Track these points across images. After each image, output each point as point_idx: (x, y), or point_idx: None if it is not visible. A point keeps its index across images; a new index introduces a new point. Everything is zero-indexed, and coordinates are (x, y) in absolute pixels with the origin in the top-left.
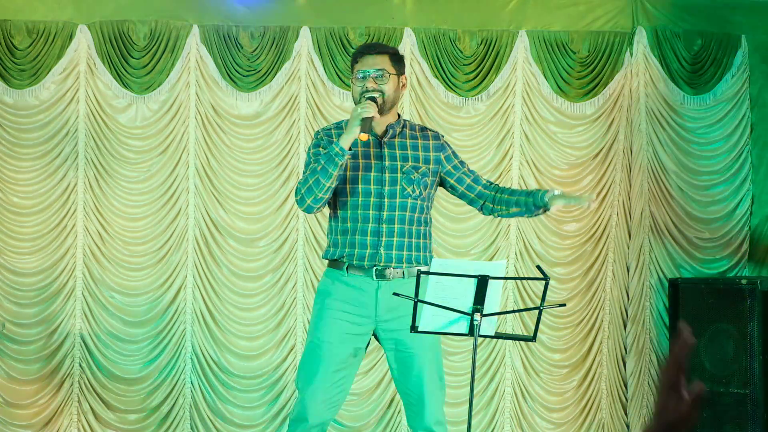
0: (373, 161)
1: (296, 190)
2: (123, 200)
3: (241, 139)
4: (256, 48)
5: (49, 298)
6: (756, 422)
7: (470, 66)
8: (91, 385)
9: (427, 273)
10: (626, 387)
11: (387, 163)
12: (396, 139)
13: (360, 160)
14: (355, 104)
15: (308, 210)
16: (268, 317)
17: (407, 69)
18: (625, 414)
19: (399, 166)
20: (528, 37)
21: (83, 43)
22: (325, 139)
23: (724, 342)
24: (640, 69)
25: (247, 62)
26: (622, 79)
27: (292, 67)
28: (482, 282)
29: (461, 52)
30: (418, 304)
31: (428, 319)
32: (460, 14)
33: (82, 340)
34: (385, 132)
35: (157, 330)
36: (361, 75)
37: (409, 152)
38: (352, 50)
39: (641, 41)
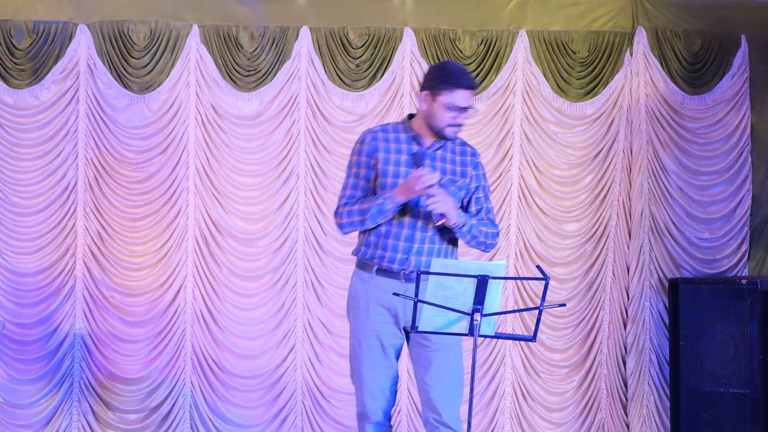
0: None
1: (338, 213)
2: (123, 200)
3: (241, 139)
4: (256, 48)
5: (49, 298)
6: (756, 422)
7: (470, 66)
8: (91, 385)
9: (427, 273)
10: (626, 387)
11: None
12: (439, 152)
13: (403, 168)
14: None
15: (344, 234)
16: (268, 317)
17: (407, 69)
18: (625, 414)
19: (439, 178)
20: (528, 37)
21: (83, 43)
22: (371, 144)
23: (724, 342)
24: (640, 69)
25: (247, 62)
26: (622, 79)
27: (292, 67)
28: (482, 282)
29: (461, 52)
30: (419, 303)
31: (428, 318)
32: (460, 14)
33: (82, 340)
34: (431, 144)
35: (157, 330)
36: (457, 108)
37: (448, 165)
38: (353, 50)
39: (641, 41)
